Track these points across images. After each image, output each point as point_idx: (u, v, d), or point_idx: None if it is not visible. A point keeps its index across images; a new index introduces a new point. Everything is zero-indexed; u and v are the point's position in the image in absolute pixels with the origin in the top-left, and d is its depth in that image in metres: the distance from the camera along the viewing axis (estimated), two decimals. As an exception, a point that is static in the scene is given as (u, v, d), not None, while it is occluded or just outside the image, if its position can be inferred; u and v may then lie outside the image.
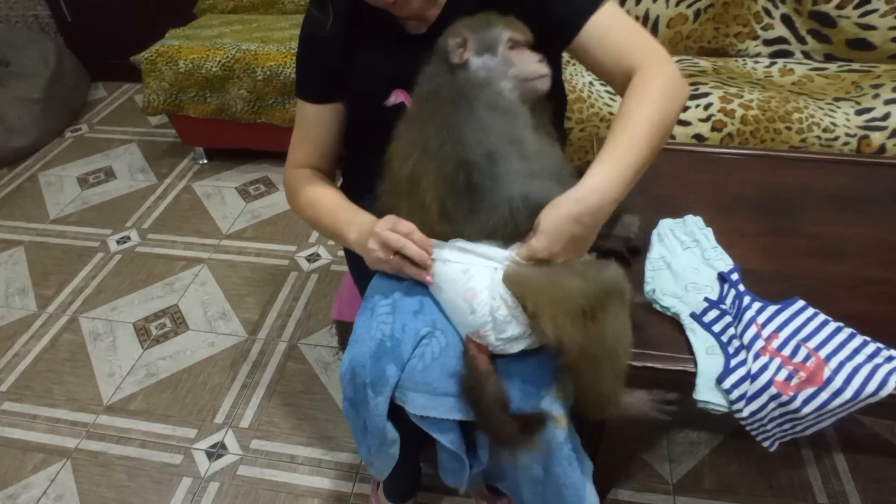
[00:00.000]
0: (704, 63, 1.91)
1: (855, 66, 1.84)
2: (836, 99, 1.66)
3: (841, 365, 0.80)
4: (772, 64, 1.91)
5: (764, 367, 0.80)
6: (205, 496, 1.31)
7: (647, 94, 0.79)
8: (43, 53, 2.62)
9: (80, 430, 1.47)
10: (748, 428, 0.84)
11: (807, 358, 0.81)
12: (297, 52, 1.00)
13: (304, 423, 1.44)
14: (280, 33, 2.13)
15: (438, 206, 0.79)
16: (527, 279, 0.75)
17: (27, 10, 2.88)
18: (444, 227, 0.81)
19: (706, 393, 0.82)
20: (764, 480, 1.27)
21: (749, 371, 0.80)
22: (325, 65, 0.95)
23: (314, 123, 1.01)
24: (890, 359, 0.80)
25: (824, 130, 1.59)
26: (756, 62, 1.94)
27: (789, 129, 1.61)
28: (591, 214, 0.75)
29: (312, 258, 1.93)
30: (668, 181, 1.19)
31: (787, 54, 1.96)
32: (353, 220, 0.92)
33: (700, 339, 0.86)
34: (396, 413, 0.83)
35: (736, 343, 0.84)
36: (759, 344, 0.82)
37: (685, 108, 1.67)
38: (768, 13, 1.93)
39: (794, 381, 0.79)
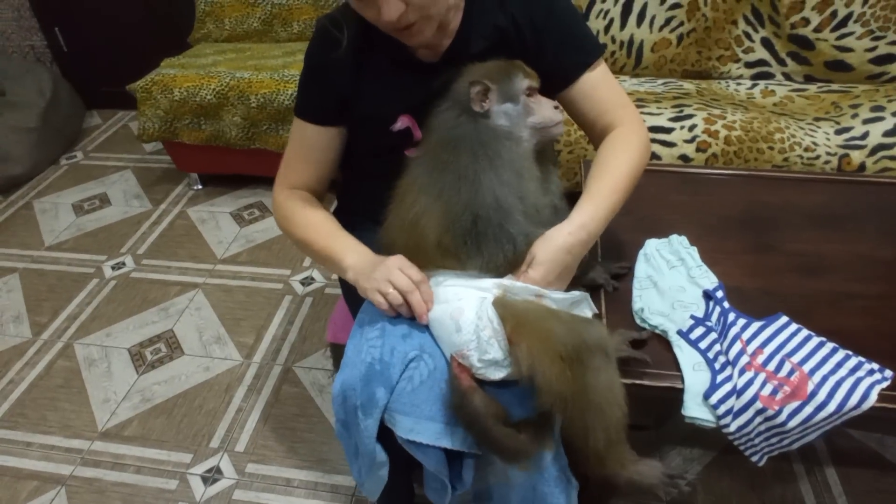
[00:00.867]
0: (688, 85, 1.97)
1: (834, 86, 1.89)
2: (817, 119, 1.71)
3: (824, 379, 0.82)
4: (753, 85, 1.97)
5: (749, 383, 0.82)
6: (200, 522, 1.31)
7: (627, 147, 0.94)
8: (39, 83, 2.66)
9: (74, 456, 1.47)
10: (736, 443, 0.86)
11: (791, 372, 0.83)
12: (303, 73, 0.99)
13: (299, 446, 1.45)
14: (273, 61, 2.17)
15: (441, 244, 0.82)
16: (514, 306, 0.77)
17: (23, 40, 2.92)
18: (443, 263, 0.85)
19: (694, 409, 0.84)
20: (756, 496, 1.29)
21: (735, 386, 0.82)
22: (333, 87, 0.95)
23: (313, 145, 1.00)
24: (871, 372, 0.83)
25: (805, 150, 1.63)
26: (738, 84, 1.99)
27: (772, 148, 1.65)
28: (581, 246, 0.85)
29: (307, 282, 1.94)
30: (653, 202, 1.22)
31: (768, 76, 2.02)
32: (349, 248, 0.92)
33: (687, 356, 0.88)
34: (388, 435, 0.84)
35: (722, 359, 0.86)
36: (745, 360, 0.84)
37: (670, 130, 1.71)
38: (749, 37, 1.99)
39: (780, 396, 0.81)
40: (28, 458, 1.47)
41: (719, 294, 0.94)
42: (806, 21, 1.85)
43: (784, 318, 0.91)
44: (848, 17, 1.81)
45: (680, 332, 0.91)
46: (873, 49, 1.82)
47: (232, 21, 2.42)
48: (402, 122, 0.95)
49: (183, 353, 1.72)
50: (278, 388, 1.60)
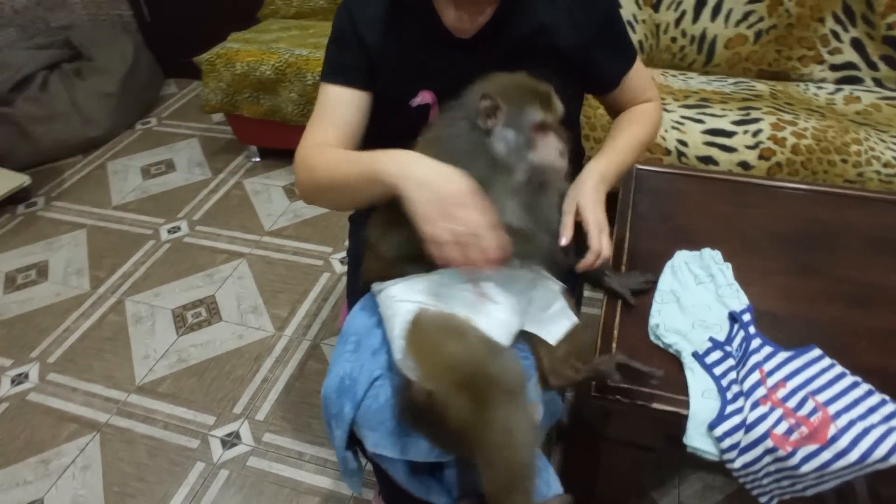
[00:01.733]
0: (762, 87, 1.82)
1: (931, 97, 1.71)
2: (903, 132, 1.55)
3: (851, 423, 0.74)
4: (837, 90, 1.80)
5: (762, 418, 0.75)
6: (214, 482, 1.36)
7: (648, 119, 1.05)
8: (122, 50, 2.81)
9: (111, 406, 1.56)
10: (742, 480, 0.79)
11: (812, 412, 0.75)
12: (331, 36, 0.95)
13: (315, 422, 1.47)
14: (334, 40, 2.19)
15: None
16: (426, 322, 0.72)
17: (112, 9, 3.09)
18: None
19: (696, 439, 0.78)
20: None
21: (744, 420, 0.76)
22: (362, 45, 0.91)
23: (340, 105, 0.93)
24: (908, 422, 0.74)
25: (885, 165, 1.48)
26: (819, 88, 1.83)
27: (845, 161, 1.51)
28: (606, 185, 0.92)
29: (346, 261, 1.97)
30: (696, 210, 1.14)
31: (855, 81, 1.84)
32: (385, 154, 0.79)
33: (698, 381, 0.82)
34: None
35: (735, 389, 0.80)
36: (761, 392, 0.77)
37: (732, 134, 1.60)
38: (837, 36, 1.82)
39: (795, 436, 0.74)
40: (72, 402, 1.58)
41: (746, 317, 0.87)
42: (904, 22, 1.67)
43: (817, 351, 0.83)
44: (954, 19, 1.62)
45: (695, 354, 0.84)
46: (982, 57, 1.62)
47: (300, -2, 2.46)
48: (421, 97, 0.92)
49: (221, 319, 1.79)
50: (304, 362, 1.63)
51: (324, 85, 0.96)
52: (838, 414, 0.75)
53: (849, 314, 0.90)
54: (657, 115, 1.06)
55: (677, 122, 1.65)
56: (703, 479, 1.28)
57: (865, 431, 0.73)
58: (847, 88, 1.81)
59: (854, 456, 0.71)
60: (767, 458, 0.75)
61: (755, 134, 1.58)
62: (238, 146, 2.58)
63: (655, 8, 1.95)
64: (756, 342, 0.83)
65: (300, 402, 1.53)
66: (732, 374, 0.81)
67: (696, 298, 0.93)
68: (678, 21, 1.94)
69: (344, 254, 1.99)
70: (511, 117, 0.79)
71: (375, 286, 0.85)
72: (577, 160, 1.12)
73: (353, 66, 0.94)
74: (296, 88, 2.11)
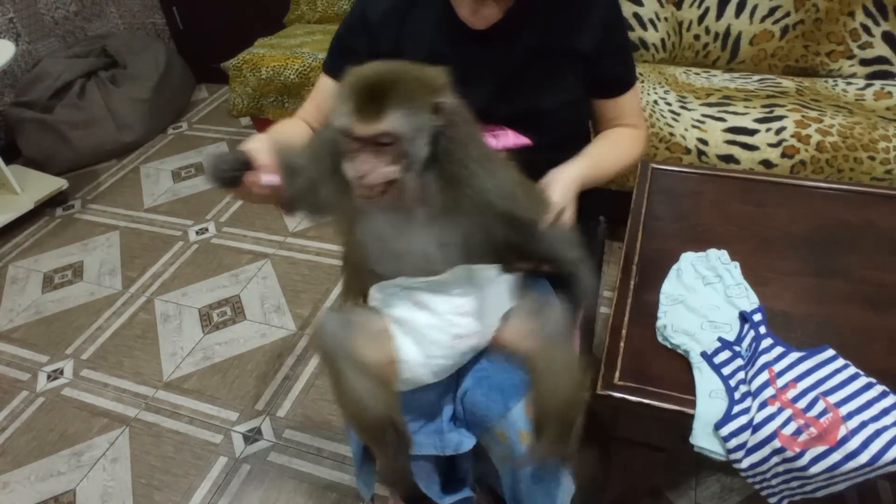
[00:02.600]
0: (788, 83, 1.79)
1: (966, 91, 1.65)
2: (935, 128, 1.50)
3: (862, 425, 0.73)
4: (867, 86, 1.76)
5: (770, 418, 0.74)
6: (236, 476, 1.40)
7: (633, 143, 1.01)
8: (155, 57, 2.90)
9: (140, 401, 1.61)
10: (750, 481, 0.78)
11: (822, 413, 0.74)
12: (339, 30, 0.98)
13: (334, 419, 1.50)
14: (356, 43, 2.23)
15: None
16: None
17: (146, 17, 3.20)
18: None
19: (702, 438, 0.77)
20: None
21: (751, 420, 0.75)
22: (368, 48, 0.93)
23: (329, 97, 0.97)
24: (923, 425, 0.72)
25: (915, 162, 1.44)
26: (849, 83, 1.78)
27: (872, 158, 1.47)
28: (576, 184, 0.86)
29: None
30: (710, 210, 1.12)
31: (887, 75, 1.79)
32: None
33: (706, 381, 0.81)
34: None
35: (743, 388, 0.79)
36: (769, 392, 0.76)
37: (754, 132, 1.57)
38: (867, 30, 1.77)
39: (803, 437, 0.73)
40: (103, 397, 1.64)
41: (757, 317, 0.86)
42: (937, 14, 1.62)
43: (830, 352, 0.81)
44: None
45: (703, 354, 0.84)
46: None
47: (324, 3, 2.51)
48: None
49: (245, 317, 1.83)
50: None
51: (322, 74, 1.00)
52: (850, 415, 0.74)
53: (865, 315, 0.88)
54: (642, 146, 1.03)
55: (698, 121, 1.63)
56: (721, 481, 1.26)
57: (877, 433, 0.72)
58: (878, 83, 1.76)
59: (864, 458, 0.70)
60: (775, 459, 0.74)
61: (778, 132, 1.55)
62: (264, 149, 2.63)
63: (678, 5, 1.92)
64: (767, 342, 0.82)
65: (320, 400, 1.56)
66: (741, 374, 0.80)
67: (704, 299, 0.92)
68: (701, 18, 1.91)
69: (365, 254, 2.02)
70: (333, 117, 0.66)
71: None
72: None
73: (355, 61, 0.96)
74: (319, 92, 2.15)
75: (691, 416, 0.79)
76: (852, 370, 0.79)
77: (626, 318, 0.92)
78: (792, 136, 1.52)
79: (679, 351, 0.86)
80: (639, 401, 0.81)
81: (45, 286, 2.05)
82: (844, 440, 0.71)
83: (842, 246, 1.01)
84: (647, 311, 0.92)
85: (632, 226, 1.10)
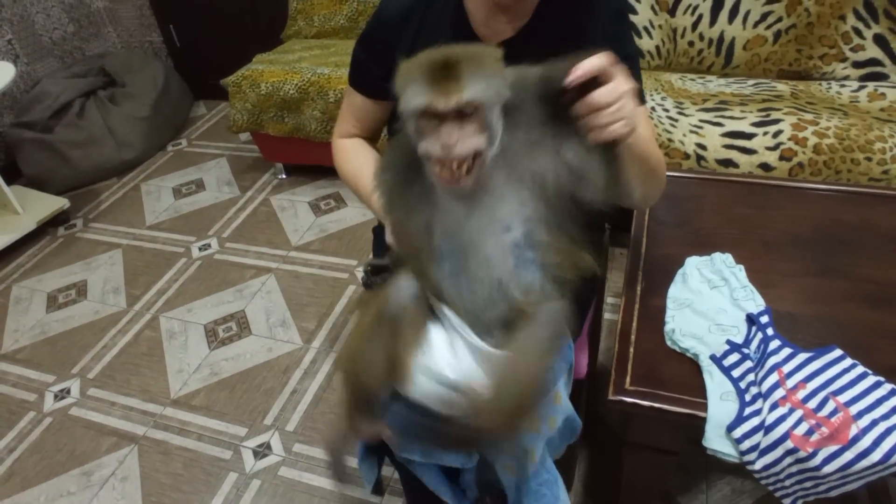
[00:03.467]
0: (782, 87, 1.81)
1: (958, 91, 1.67)
2: (930, 128, 1.52)
3: (873, 423, 0.74)
4: (860, 88, 1.78)
5: (781, 419, 0.75)
6: (247, 492, 1.40)
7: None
8: (153, 75, 2.92)
9: (148, 419, 1.61)
10: (764, 482, 0.79)
11: (833, 413, 0.75)
12: (356, 46, 1.01)
13: (343, 431, 1.50)
14: (354, 57, 2.25)
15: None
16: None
17: (144, 36, 3.22)
18: None
19: (715, 441, 0.78)
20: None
21: (763, 421, 0.76)
22: (385, 63, 0.90)
23: (362, 110, 1.05)
24: (932, 422, 0.73)
25: (911, 162, 1.46)
26: (842, 86, 1.81)
27: (869, 159, 1.49)
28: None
29: (370, 272, 2.00)
30: (712, 213, 1.14)
31: (879, 77, 1.82)
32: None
33: (716, 384, 0.82)
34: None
35: (754, 390, 0.80)
36: (779, 393, 0.77)
37: (751, 136, 1.59)
38: (859, 33, 1.80)
39: (815, 437, 0.74)
40: (111, 415, 1.64)
41: (764, 319, 0.87)
42: (927, 16, 1.65)
43: (837, 352, 0.82)
44: (980, 11, 1.59)
45: (713, 357, 0.85)
46: None
47: (321, 18, 2.53)
48: None
49: (251, 333, 1.84)
50: (332, 374, 1.67)
51: (348, 89, 1.04)
52: (860, 414, 0.75)
53: (870, 314, 0.89)
54: (663, 166, 0.93)
55: (696, 126, 1.65)
56: (732, 484, 1.27)
57: (888, 431, 0.73)
58: (871, 85, 1.78)
59: (877, 456, 0.71)
60: (788, 460, 0.75)
61: (775, 135, 1.57)
62: (265, 164, 2.65)
63: (671, 12, 1.95)
64: (775, 343, 0.83)
65: (329, 413, 1.56)
66: (751, 377, 0.81)
67: (711, 303, 0.93)
68: (695, 24, 1.94)
69: (368, 266, 2.03)
70: (403, 102, 0.65)
71: None
72: None
73: (375, 80, 0.99)
74: (318, 106, 2.17)
75: (703, 419, 0.80)
76: (860, 369, 0.80)
77: (635, 324, 0.93)
78: (789, 139, 1.54)
79: (688, 355, 0.87)
80: (650, 405, 0.82)
81: (50, 306, 2.05)
82: (856, 439, 0.72)
83: (843, 246, 1.02)
84: (654, 315, 0.93)
85: (636, 232, 1.11)
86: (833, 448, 0.73)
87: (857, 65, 1.83)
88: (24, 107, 2.62)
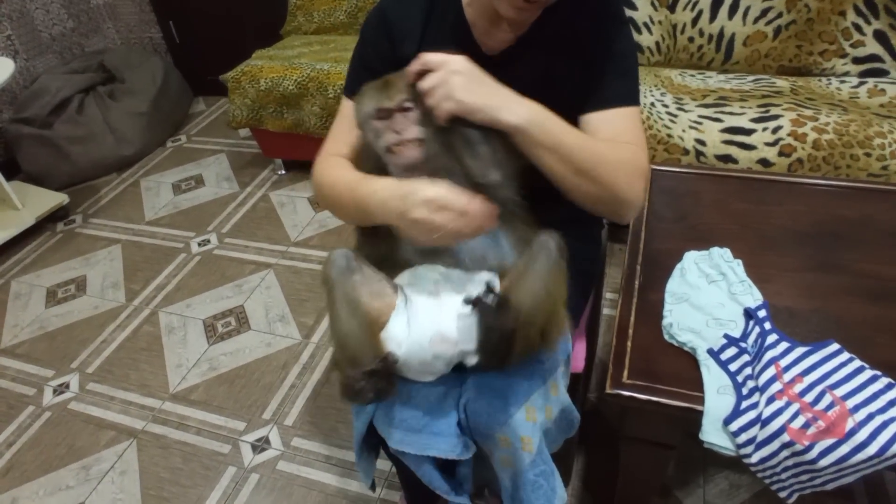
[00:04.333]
0: (782, 83, 1.81)
1: (958, 87, 1.67)
2: (929, 124, 1.52)
3: (870, 417, 0.74)
4: (860, 84, 1.78)
5: (778, 412, 0.75)
6: (245, 486, 1.40)
7: (619, 147, 0.83)
8: (152, 71, 2.92)
9: (147, 413, 1.62)
10: (760, 475, 0.79)
11: (830, 406, 0.75)
12: (354, 52, 0.98)
13: (341, 426, 1.51)
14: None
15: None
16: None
17: (143, 32, 3.22)
18: None
19: (712, 434, 0.78)
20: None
21: (760, 415, 0.76)
22: (383, 70, 0.90)
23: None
24: (929, 415, 0.73)
25: (910, 158, 1.46)
26: (842, 82, 1.81)
27: (868, 155, 1.49)
28: (492, 93, 0.78)
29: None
30: (711, 209, 1.14)
31: (879, 73, 1.82)
32: (375, 186, 0.80)
33: (713, 377, 0.82)
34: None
35: (751, 384, 0.80)
36: (776, 387, 0.77)
37: (750, 132, 1.59)
38: (859, 29, 1.79)
39: (812, 430, 0.74)
40: (110, 410, 1.64)
41: (761, 313, 0.87)
42: (927, 12, 1.64)
43: (834, 346, 0.82)
44: (980, 7, 1.58)
45: (710, 351, 0.85)
46: None
47: (320, 14, 2.53)
48: None
49: (250, 328, 1.84)
50: (331, 368, 1.67)
51: (344, 98, 0.99)
52: (857, 408, 0.75)
53: (868, 309, 0.89)
54: (636, 159, 0.84)
55: (695, 122, 1.65)
56: (729, 478, 1.27)
57: (885, 425, 0.73)
58: (871, 81, 1.78)
59: (873, 449, 0.71)
60: (785, 453, 0.75)
61: (775, 130, 1.56)
62: (264, 160, 2.65)
63: (671, 8, 1.95)
64: (772, 338, 0.83)
65: (327, 407, 1.56)
66: (748, 370, 0.81)
67: (709, 297, 0.93)
68: (695, 20, 1.93)
69: (367, 262, 2.03)
70: (360, 115, 0.82)
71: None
72: None
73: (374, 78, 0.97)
74: (318, 102, 2.17)
75: (700, 413, 0.80)
76: (857, 363, 0.80)
77: (633, 318, 0.93)
78: (788, 135, 1.54)
79: (685, 349, 0.87)
80: (648, 399, 0.82)
81: (49, 301, 2.05)
82: (852, 432, 0.72)
83: (841, 241, 1.02)
84: (652, 310, 0.93)
85: (634, 226, 1.11)
86: (829, 441, 0.73)
87: (857, 61, 1.83)
88: (24, 103, 2.62)
